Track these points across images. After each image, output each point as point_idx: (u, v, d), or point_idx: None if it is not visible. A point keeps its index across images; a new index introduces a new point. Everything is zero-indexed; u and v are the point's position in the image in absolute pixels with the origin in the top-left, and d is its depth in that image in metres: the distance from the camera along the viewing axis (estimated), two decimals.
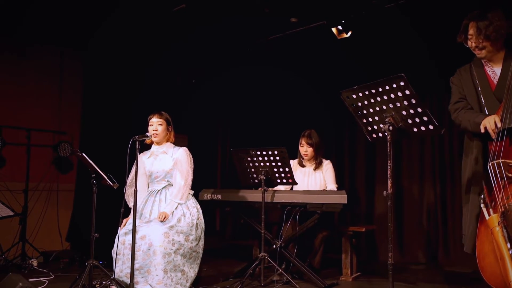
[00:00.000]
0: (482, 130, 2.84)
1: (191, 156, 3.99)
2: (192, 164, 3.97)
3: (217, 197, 4.55)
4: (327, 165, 4.69)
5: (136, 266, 3.47)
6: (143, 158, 4.00)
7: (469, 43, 3.01)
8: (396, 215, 5.53)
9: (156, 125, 3.90)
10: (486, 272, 2.74)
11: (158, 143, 3.97)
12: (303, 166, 4.76)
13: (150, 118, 3.95)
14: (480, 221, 2.84)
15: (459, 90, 3.16)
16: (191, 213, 3.80)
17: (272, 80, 6.35)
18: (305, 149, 4.67)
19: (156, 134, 3.90)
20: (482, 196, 2.82)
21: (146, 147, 4.09)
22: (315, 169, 4.69)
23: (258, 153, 4.16)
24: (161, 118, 3.93)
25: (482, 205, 2.80)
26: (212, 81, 6.69)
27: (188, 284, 3.61)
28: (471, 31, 2.97)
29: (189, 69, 6.66)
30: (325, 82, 5.94)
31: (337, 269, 4.58)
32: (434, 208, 5.37)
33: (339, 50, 5.53)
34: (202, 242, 3.85)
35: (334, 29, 5.04)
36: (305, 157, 4.71)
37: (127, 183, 3.91)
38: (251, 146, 4.22)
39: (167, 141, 4.00)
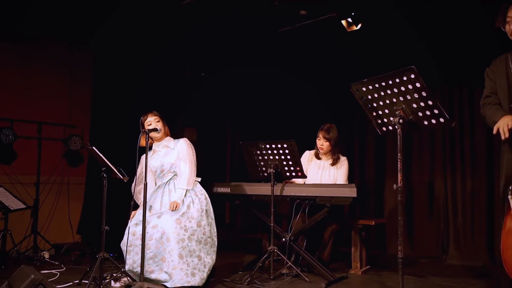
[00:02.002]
0: (494, 132, 2.78)
1: (191, 144, 4.04)
2: (194, 151, 4.01)
3: (227, 190, 4.56)
4: (343, 161, 4.65)
5: (150, 255, 3.51)
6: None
7: (507, 26, 2.91)
8: (406, 208, 5.51)
9: (154, 122, 3.96)
10: (508, 265, 2.71)
11: (159, 140, 4.02)
12: (319, 158, 4.73)
13: (145, 119, 3.98)
14: (507, 213, 2.80)
15: (491, 84, 3.07)
16: (199, 199, 3.84)
17: (281, 73, 6.32)
18: (321, 142, 4.62)
19: (158, 130, 3.96)
20: (510, 188, 2.78)
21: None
22: (332, 164, 4.63)
23: (267, 146, 4.16)
24: (156, 116, 4.00)
25: (509, 197, 2.76)
26: (221, 74, 6.68)
27: (206, 270, 3.62)
28: (510, 13, 2.87)
29: (197, 63, 6.65)
30: (335, 75, 5.90)
31: (347, 263, 4.58)
32: (445, 201, 5.34)
33: (348, 44, 5.50)
34: (214, 230, 3.88)
35: (344, 22, 5.01)
36: (320, 151, 4.67)
37: (135, 181, 3.94)
38: (260, 139, 4.21)
39: (166, 136, 4.05)
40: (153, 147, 4.06)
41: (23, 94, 5.73)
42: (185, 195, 3.80)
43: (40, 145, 5.58)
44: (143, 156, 3.90)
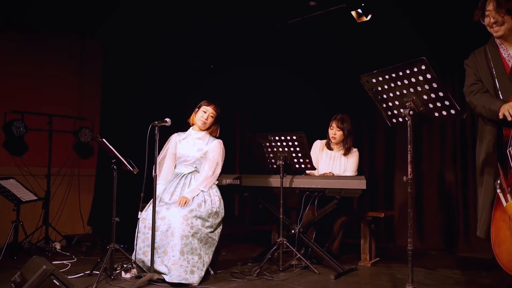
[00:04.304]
0: (501, 116, 2.74)
1: (224, 149, 4.04)
2: (223, 157, 4.02)
3: (236, 182, 4.56)
4: (353, 152, 4.63)
5: (154, 246, 3.53)
6: (176, 139, 4.06)
7: (487, 20, 2.90)
8: (416, 200, 5.48)
9: (209, 115, 3.97)
10: (502, 259, 2.70)
11: (200, 129, 4.03)
12: (330, 149, 4.71)
13: (205, 105, 4.00)
14: (496, 207, 2.77)
15: (474, 72, 3.04)
16: (212, 200, 3.85)
17: (291, 65, 6.30)
18: (334, 132, 4.59)
19: (205, 123, 3.97)
20: (499, 181, 2.75)
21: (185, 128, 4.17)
22: (345, 154, 4.61)
23: (277, 138, 4.15)
24: (215, 111, 4.01)
25: (498, 190, 2.74)
26: (230, 67, 6.67)
27: (204, 268, 3.64)
28: (489, 7, 2.87)
29: (207, 54, 6.64)
30: (343, 68, 5.86)
31: (356, 255, 4.58)
32: (455, 193, 5.30)
33: (359, 35, 5.46)
34: (218, 231, 3.89)
35: (353, 13, 4.97)
36: (332, 140, 4.64)
37: (158, 161, 3.91)
38: (270, 131, 4.21)
39: (208, 131, 4.05)
40: (189, 131, 4.08)
41: (33, 86, 5.77)
42: (197, 194, 3.82)
43: (51, 137, 5.63)
44: (173, 136, 3.93)
